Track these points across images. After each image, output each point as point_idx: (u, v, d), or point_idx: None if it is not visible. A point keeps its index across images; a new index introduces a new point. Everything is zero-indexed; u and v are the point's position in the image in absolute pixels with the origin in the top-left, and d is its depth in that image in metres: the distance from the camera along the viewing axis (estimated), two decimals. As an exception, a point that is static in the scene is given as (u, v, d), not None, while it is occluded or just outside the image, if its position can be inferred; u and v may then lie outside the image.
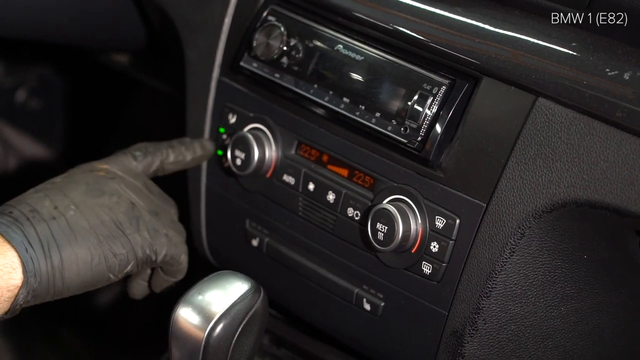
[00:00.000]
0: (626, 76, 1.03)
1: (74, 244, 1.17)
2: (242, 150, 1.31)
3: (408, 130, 1.17)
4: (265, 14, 1.31)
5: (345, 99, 1.23)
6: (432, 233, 1.16)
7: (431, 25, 1.18)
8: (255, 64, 1.31)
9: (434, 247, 1.16)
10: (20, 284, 1.13)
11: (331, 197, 1.25)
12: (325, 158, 1.27)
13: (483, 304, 1.14)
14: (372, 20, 1.22)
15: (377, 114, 1.20)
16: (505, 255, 1.11)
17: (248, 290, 1.12)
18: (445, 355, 1.19)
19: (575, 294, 1.15)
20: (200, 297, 1.10)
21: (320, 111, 1.26)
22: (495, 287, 1.13)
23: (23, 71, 2.30)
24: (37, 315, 1.20)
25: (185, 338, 1.09)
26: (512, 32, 1.12)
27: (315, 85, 1.25)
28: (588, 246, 1.13)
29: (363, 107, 1.21)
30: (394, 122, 1.18)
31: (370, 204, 1.21)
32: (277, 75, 1.29)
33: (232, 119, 1.36)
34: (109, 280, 1.22)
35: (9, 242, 1.13)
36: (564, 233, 1.11)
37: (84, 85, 2.37)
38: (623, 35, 1.07)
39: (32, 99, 2.31)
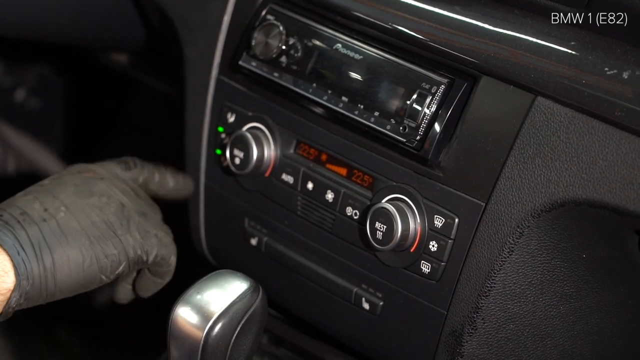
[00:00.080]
0: (625, 75, 1.03)
1: (65, 246, 1.17)
2: (240, 150, 1.31)
3: (407, 130, 1.17)
4: (264, 13, 1.31)
5: (344, 98, 1.23)
6: (431, 232, 1.16)
7: (430, 24, 1.18)
8: (254, 63, 1.31)
9: (433, 246, 1.16)
10: (12, 288, 1.13)
11: (330, 196, 1.25)
12: (324, 157, 1.27)
13: (482, 303, 1.14)
14: (371, 19, 1.22)
15: (376, 113, 1.19)
16: (504, 254, 1.11)
17: (247, 289, 1.12)
18: (444, 355, 1.19)
19: (574, 293, 1.15)
20: (198, 297, 1.10)
21: (319, 110, 1.26)
22: (494, 286, 1.13)
23: (22, 71, 2.29)
24: (35, 315, 1.20)
25: (184, 337, 1.09)
26: (511, 31, 1.12)
27: (314, 84, 1.25)
28: (587, 245, 1.13)
29: (362, 106, 1.21)
30: (392, 121, 1.18)
31: (369, 203, 1.21)
32: (275, 74, 1.29)
33: (231, 118, 1.36)
34: (101, 282, 1.22)
35: (1, 245, 1.13)
36: (563, 232, 1.11)
37: (83, 84, 2.37)
38: (623, 34, 1.07)
39: (31, 99, 2.30)
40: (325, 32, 1.26)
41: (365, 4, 1.23)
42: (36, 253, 1.15)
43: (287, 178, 1.30)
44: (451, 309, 1.16)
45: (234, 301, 1.10)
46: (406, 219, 1.16)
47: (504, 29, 1.13)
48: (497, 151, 1.11)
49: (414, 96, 1.16)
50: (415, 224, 1.17)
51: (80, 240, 1.18)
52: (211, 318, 1.08)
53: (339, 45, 1.25)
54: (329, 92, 1.24)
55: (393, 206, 1.16)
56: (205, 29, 1.40)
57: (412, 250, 1.18)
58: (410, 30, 1.19)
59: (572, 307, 1.16)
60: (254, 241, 1.37)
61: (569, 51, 1.08)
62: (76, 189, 1.24)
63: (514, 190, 1.10)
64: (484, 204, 1.12)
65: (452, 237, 1.14)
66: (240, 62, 1.33)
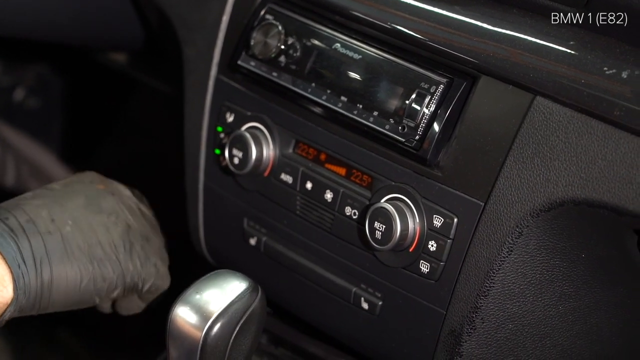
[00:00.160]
0: (624, 75, 1.03)
1: (66, 263, 1.17)
2: (239, 149, 1.31)
3: (406, 129, 1.17)
4: (262, 12, 1.31)
5: (343, 98, 1.23)
6: (430, 232, 1.16)
7: (429, 23, 1.17)
8: (252, 63, 1.31)
9: (432, 246, 1.16)
10: (9, 302, 1.12)
11: (329, 195, 1.25)
12: (322, 157, 1.27)
13: (481, 303, 1.13)
14: (369, 19, 1.22)
15: (375, 113, 1.19)
16: (503, 254, 1.11)
17: (246, 289, 1.12)
18: (443, 354, 1.19)
19: (573, 293, 1.15)
20: (197, 296, 1.10)
21: (318, 110, 1.26)
22: (493, 286, 1.13)
23: (21, 70, 2.29)
24: (34, 315, 1.20)
25: (182, 337, 1.09)
26: (510, 30, 1.12)
27: (313, 84, 1.25)
28: (586, 245, 1.13)
29: (361, 106, 1.21)
30: (391, 120, 1.18)
31: (368, 202, 1.21)
32: (274, 74, 1.29)
33: (230, 118, 1.36)
34: (93, 303, 1.23)
35: (3, 256, 1.12)
36: (562, 232, 1.11)
37: (82, 84, 2.37)
38: (622, 34, 1.07)
39: (30, 98, 2.30)
40: (324, 31, 1.26)
41: (364, 3, 1.23)
42: (36, 267, 1.14)
43: (286, 178, 1.29)
44: (450, 308, 1.16)
45: (232, 301, 1.10)
46: (405, 219, 1.16)
47: (503, 28, 1.13)
48: (496, 151, 1.11)
49: (413, 96, 1.16)
50: (414, 223, 1.16)
51: (81, 260, 1.18)
52: (210, 318, 1.08)
53: (338, 44, 1.24)
54: (328, 91, 1.24)
55: (392, 206, 1.16)
56: (204, 28, 1.40)
57: (411, 250, 1.18)
58: (409, 30, 1.19)
59: (571, 307, 1.16)
60: (253, 241, 1.37)
61: (568, 51, 1.08)
62: (86, 201, 1.23)
63: (513, 190, 1.10)
64: (483, 204, 1.12)
65: (451, 236, 1.14)
66: (239, 62, 1.33)
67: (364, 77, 1.21)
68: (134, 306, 1.34)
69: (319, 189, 1.26)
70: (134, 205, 1.30)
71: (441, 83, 1.15)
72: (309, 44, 1.27)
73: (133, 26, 1.73)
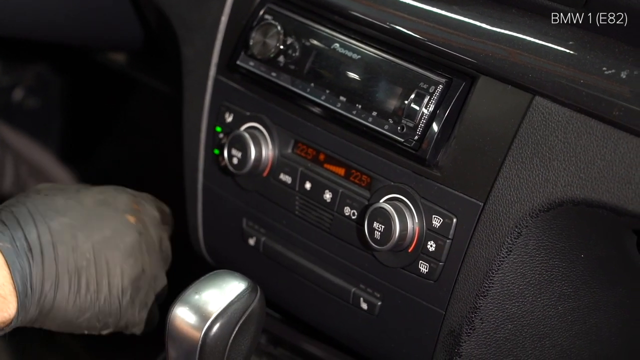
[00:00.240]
0: (623, 75, 1.03)
1: (70, 302, 1.16)
2: (238, 149, 1.30)
3: (405, 129, 1.17)
4: (261, 12, 1.31)
5: (342, 98, 1.22)
6: (429, 232, 1.16)
7: (428, 23, 1.17)
8: (251, 63, 1.31)
9: (431, 246, 1.16)
10: (7, 323, 1.13)
11: (328, 196, 1.25)
12: (321, 157, 1.27)
13: (480, 303, 1.13)
14: (368, 19, 1.22)
15: (374, 113, 1.19)
16: (502, 254, 1.11)
17: (245, 289, 1.12)
18: (442, 355, 1.19)
19: (572, 293, 1.15)
20: (197, 297, 1.10)
21: (316, 110, 1.26)
22: (493, 286, 1.12)
23: (20, 70, 2.29)
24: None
25: (182, 338, 1.09)
26: (509, 30, 1.12)
27: (312, 84, 1.25)
28: (585, 245, 1.13)
29: (360, 106, 1.21)
30: (390, 121, 1.18)
31: (366, 203, 1.21)
32: (273, 74, 1.29)
33: (229, 118, 1.36)
34: (82, 333, 1.22)
35: (12, 277, 1.11)
36: (561, 232, 1.11)
37: (81, 84, 2.37)
38: (622, 34, 1.07)
39: (30, 98, 2.30)
40: (323, 31, 1.26)
41: (363, 3, 1.23)
42: (39, 297, 1.13)
43: (285, 178, 1.29)
44: (449, 309, 1.16)
45: (232, 301, 1.10)
46: (404, 219, 1.16)
47: (502, 28, 1.13)
48: (495, 151, 1.11)
49: (412, 96, 1.16)
50: (413, 224, 1.16)
51: (85, 299, 1.17)
52: (209, 318, 1.08)
53: (337, 45, 1.24)
54: (327, 91, 1.24)
55: (391, 206, 1.16)
56: (203, 28, 1.40)
57: (410, 250, 1.17)
58: (408, 30, 1.19)
59: (570, 307, 1.16)
60: (252, 241, 1.37)
61: (567, 51, 1.08)
62: (112, 234, 1.21)
63: (512, 190, 1.09)
64: (482, 204, 1.12)
65: (450, 237, 1.14)
66: (238, 62, 1.33)
67: (363, 77, 1.21)
68: None
69: (318, 189, 1.26)
70: (156, 238, 1.29)
71: (440, 83, 1.15)
72: (308, 44, 1.27)
73: (132, 26, 1.73)
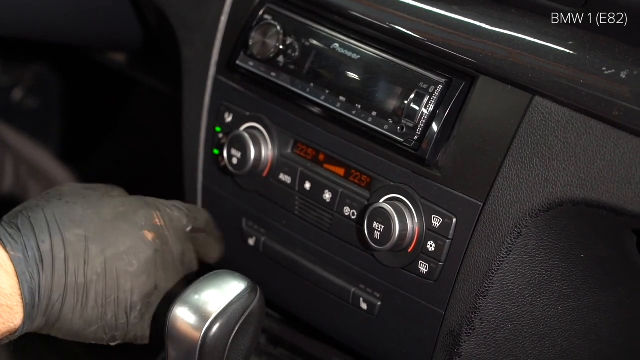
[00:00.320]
0: (623, 75, 1.03)
1: (76, 314, 1.15)
2: (238, 150, 1.30)
3: (404, 129, 1.17)
4: (261, 12, 1.31)
5: (341, 98, 1.22)
6: (429, 232, 1.16)
7: (428, 23, 1.17)
8: (251, 63, 1.31)
9: (431, 246, 1.16)
10: (13, 332, 1.12)
11: (327, 196, 1.25)
12: (321, 157, 1.26)
13: (480, 303, 1.13)
14: (368, 19, 1.22)
15: (374, 113, 1.19)
16: (502, 254, 1.11)
17: (244, 289, 1.12)
18: (442, 355, 1.19)
19: (572, 293, 1.15)
20: (196, 297, 1.10)
21: (316, 110, 1.26)
22: (492, 286, 1.12)
23: (20, 70, 2.29)
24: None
25: (181, 338, 1.09)
26: (509, 30, 1.12)
27: (312, 84, 1.25)
28: (585, 245, 1.13)
29: (359, 106, 1.21)
30: (390, 121, 1.18)
31: (366, 203, 1.21)
32: (273, 74, 1.29)
33: (229, 118, 1.36)
34: (89, 343, 1.22)
35: (21, 288, 1.10)
36: (561, 232, 1.11)
37: (80, 84, 2.37)
38: (622, 34, 1.07)
39: (29, 98, 2.30)
40: (323, 31, 1.26)
41: (363, 3, 1.23)
42: (46, 308, 1.12)
43: (285, 178, 1.29)
44: (449, 309, 1.16)
45: (231, 301, 1.10)
46: (404, 219, 1.16)
47: (501, 28, 1.13)
48: (495, 151, 1.11)
49: (412, 96, 1.16)
50: (413, 224, 1.16)
51: (93, 313, 1.16)
52: (209, 318, 1.08)
53: (337, 45, 1.24)
54: (327, 91, 1.24)
55: (391, 206, 1.16)
56: (202, 28, 1.40)
57: (409, 250, 1.17)
58: (408, 30, 1.19)
59: (570, 307, 1.16)
60: (251, 241, 1.37)
61: (567, 51, 1.08)
62: (127, 250, 1.18)
63: (511, 190, 1.09)
64: (481, 204, 1.12)
65: (449, 237, 1.14)
66: (238, 62, 1.33)
67: (363, 77, 1.21)
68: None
69: (318, 189, 1.26)
70: (177, 253, 1.24)
71: (440, 83, 1.15)
72: (307, 44, 1.26)
73: (132, 26, 1.73)
